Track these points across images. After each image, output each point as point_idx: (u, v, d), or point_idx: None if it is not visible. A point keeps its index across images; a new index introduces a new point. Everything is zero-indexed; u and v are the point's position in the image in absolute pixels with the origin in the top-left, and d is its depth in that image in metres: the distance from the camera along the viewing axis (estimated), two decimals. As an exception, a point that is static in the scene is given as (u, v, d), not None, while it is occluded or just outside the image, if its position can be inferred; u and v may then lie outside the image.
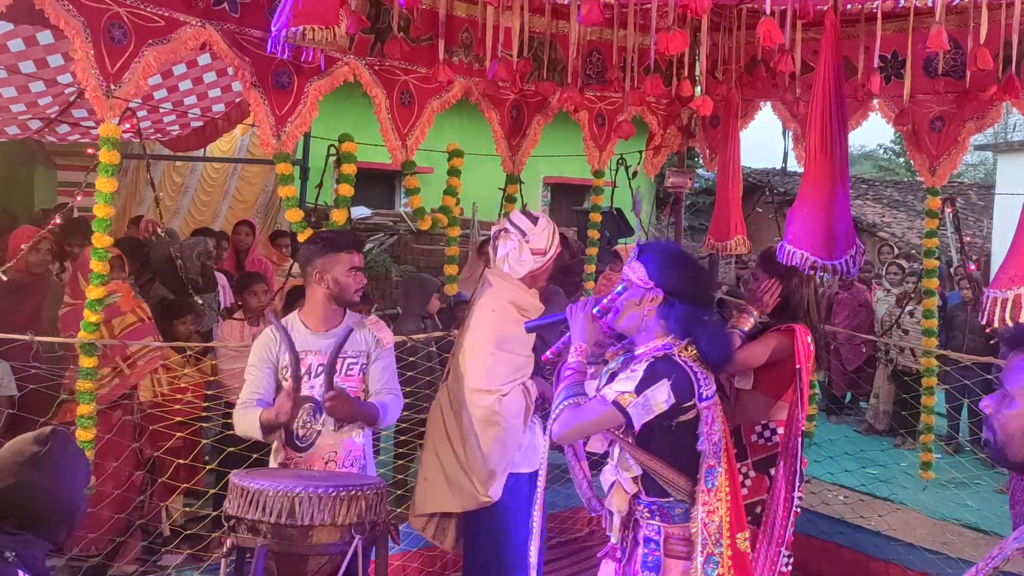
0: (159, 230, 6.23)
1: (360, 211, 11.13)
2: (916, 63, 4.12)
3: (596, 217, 5.19)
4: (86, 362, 3.38)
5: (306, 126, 3.87)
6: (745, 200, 5.44)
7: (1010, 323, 1.85)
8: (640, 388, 2.38)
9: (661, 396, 2.38)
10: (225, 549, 2.54)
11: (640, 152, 5.44)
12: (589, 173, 5.12)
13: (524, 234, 3.39)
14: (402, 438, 4.81)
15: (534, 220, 3.44)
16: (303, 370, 3.04)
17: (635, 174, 5.60)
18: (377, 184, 12.70)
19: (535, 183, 14.08)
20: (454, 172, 4.61)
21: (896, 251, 10.19)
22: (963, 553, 4.22)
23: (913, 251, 12.74)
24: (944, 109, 4.35)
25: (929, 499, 5.75)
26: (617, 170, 5.73)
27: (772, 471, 3.49)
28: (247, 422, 2.95)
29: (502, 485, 3.34)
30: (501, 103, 4.56)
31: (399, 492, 4.63)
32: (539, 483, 2.88)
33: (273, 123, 3.70)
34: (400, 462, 4.98)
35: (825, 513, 4.86)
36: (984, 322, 1.99)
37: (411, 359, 4.44)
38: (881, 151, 29.50)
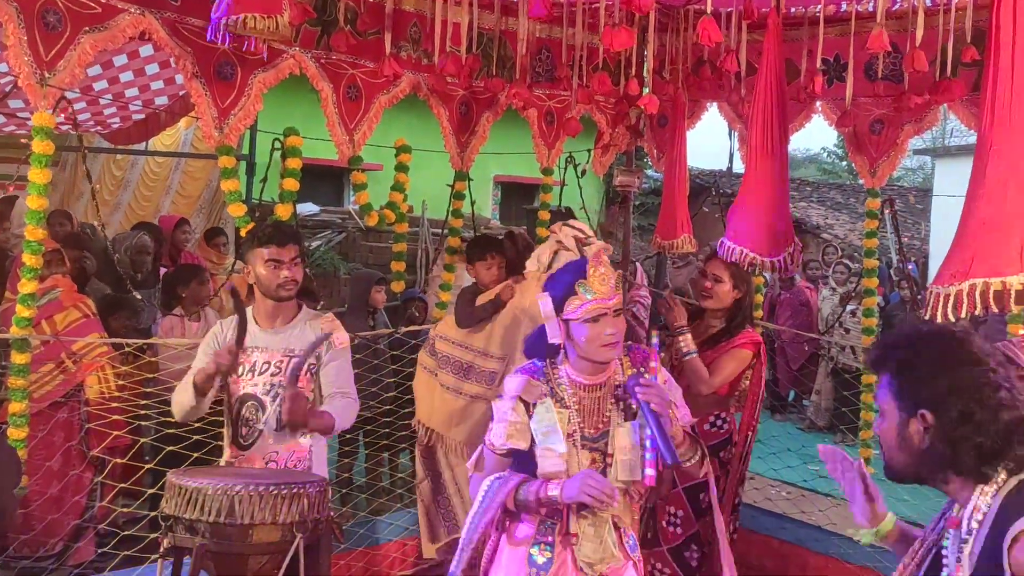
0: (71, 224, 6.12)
1: (307, 208, 11.00)
2: (857, 67, 4.21)
3: (545, 215, 5.20)
4: (18, 358, 3.28)
5: (250, 119, 3.81)
6: (692, 200, 5.51)
7: (952, 318, 1.91)
8: None
9: None
10: (162, 550, 2.48)
11: (589, 151, 5.46)
12: (539, 172, 5.13)
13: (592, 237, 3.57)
14: (347, 436, 4.76)
15: (590, 230, 3.62)
16: (248, 367, 2.99)
17: (584, 173, 5.62)
18: (325, 180, 12.57)
19: (485, 181, 14.06)
20: (402, 168, 4.58)
21: (840, 252, 10.40)
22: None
23: (855, 252, 13.02)
24: (884, 112, 4.45)
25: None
26: (566, 168, 5.75)
27: (722, 454, 3.69)
28: (181, 389, 2.90)
29: None
30: (450, 99, 4.54)
31: (344, 491, 4.59)
32: None
33: (215, 115, 3.63)
34: (345, 460, 4.92)
35: (768, 509, 4.93)
36: (927, 317, 2.04)
37: (356, 357, 4.39)
38: (825, 154, 30.15)
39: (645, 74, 4.87)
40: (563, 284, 2.41)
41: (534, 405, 2.42)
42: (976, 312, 1.85)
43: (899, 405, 1.69)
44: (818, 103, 4.68)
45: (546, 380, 2.46)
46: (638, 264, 6.51)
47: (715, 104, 5.14)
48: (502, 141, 7.24)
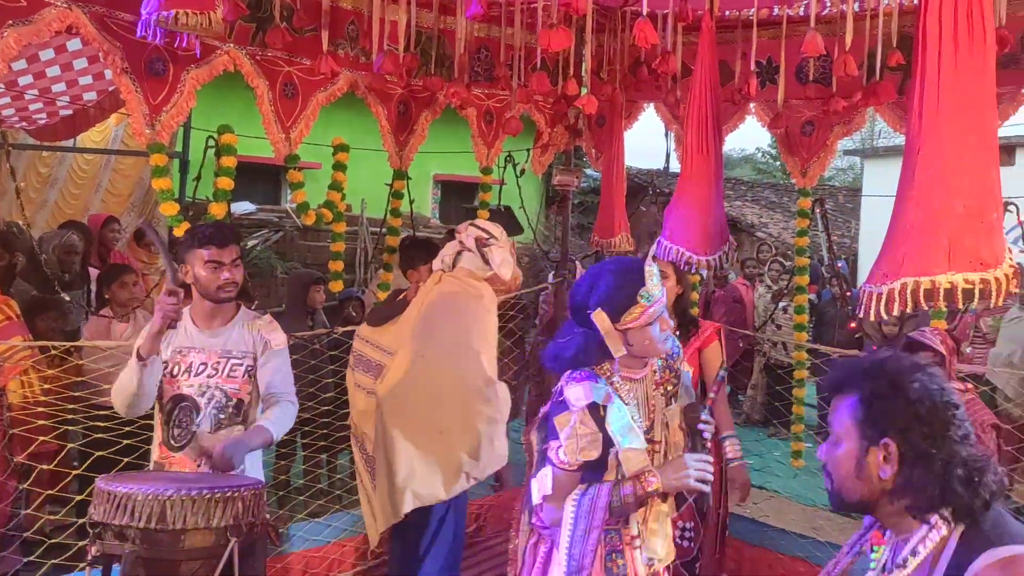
0: None
1: (243, 207, 10.81)
2: (789, 70, 4.31)
3: (484, 214, 5.18)
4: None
5: (182, 116, 3.72)
6: (630, 199, 5.59)
7: (884, 315, 1.95)
8: None
9: None
10: (90, 557, 2.42)
11: (528, 150, 5.49)
12: (479, 171, 5.13)
13: (501, 241, 3.48)
14: (285, 437, 4.68)
15: (499, 228, 3.54)
16: (184, 368, 2.94)
17: (523, 172, 5.65)
18: (262, 179, 12.37)
19: (425, 180, 14.01)
20: (340, 167, 4.53)
21: (774, 250, 10.62)
22: (831, 537, 4.43)
23: (789, 250, 13.32)
24: (814, 114, 4.57)
25: (800, 486, 6.01)
26: (505, 167, 5.77)
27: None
28: (121, 376, 2.82)
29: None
30: (388, 98, 4.51)
31: (281, 493, 4.52)
32: None
33: (147, 112, 3.54)
34: (282, 462, 4.86)
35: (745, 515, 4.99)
36: (861, 315, 2.09)
37: (295, 357, 4.34)
38: (760, 155, 30.73)
39: (583, 74, 4.91)
40: (622, 296, 2.32)
41: (605, 408, 2.33)
42: (906, 310, 1.91)
43: (861, 432, 1.67)
44: (752, 104, 4.78)
45: (606, 381, 2.39)
46: (577, 262, 6.56)
47: (652, 104, 5.21)
48: (442, 140, 7.23)
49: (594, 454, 2.31)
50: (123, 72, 3.45)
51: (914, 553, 1.63)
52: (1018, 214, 5.15)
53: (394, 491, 3.30)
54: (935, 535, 1.61)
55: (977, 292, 1.85)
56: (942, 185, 1.89)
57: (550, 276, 6.22)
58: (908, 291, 1.90)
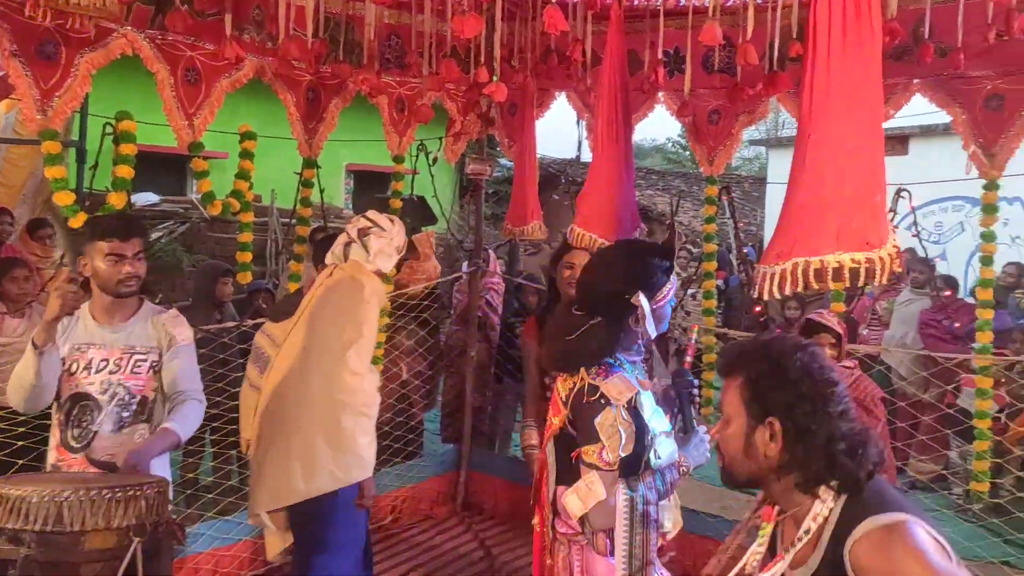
0: None
1: (147, 197, 10.45)
2: (695, 59, 4.38)
3: (396, 203, 5.14)
4: None
5: (76, 102, 3.56)
6: (544, 188, 5.62)
7: (778, 295, 2.02)
8: None
9: None
10: (-18, 564, 2.30)
11: (440, 139, 5.46)
12: (391, 160, 5.07)
13: (387, 232, 3.38)
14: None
15: (392, 221, 3.47)
16: (83, 365, 2.82)
17: (435, 160, 5.62)
18: (167, 170, 11.96)
19: (337, 170, 13.79)
20: (246, 155, 4.42)
21: (684, 238, 10.86)
22: (740, 515, 4.55)
23: (698, 238, 13.63)
24: (720, 104, 4.67)
25: (708, 468, 6.14)
26: (417, 156, 5.73)
27: None
28: (17, 368, 2.69)
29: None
30: (296, 85, 4.41)
31: (189, 492, 4.40)
32: None
33: (38, 97, 3.38)
34: (190, 460, 4.72)
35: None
36: (755, 295, 2.16)
37: (202, 351, 4.22)
38: (670, 144, 31.28)
39: (495, 63, 4.89)
40: (658, 275, 2.34)
41: (636, 396, 2.33)
42: (798, 289, 1.98)
43: (749, 411, 1.74)
44: (660, 94, 4.85)
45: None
46: (491, 251, 6.57)
47: (564, 93, 5.24)
48: (354, 129, 7.12)
49: (632, 447, 2.30)
50: (12, 55, 3.28)
51: (807, 531, 1.69)
52: (910, 200, 5.41)
53: (256, 488, 3.22)
54: (823, 508, 1.68)
55: (863, 271, 1.94)
56: (831, 169, 1.98)
57: (464, 266, 6.21)
58: (799, 271, 1.98)
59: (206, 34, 3.85)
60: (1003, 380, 4.96)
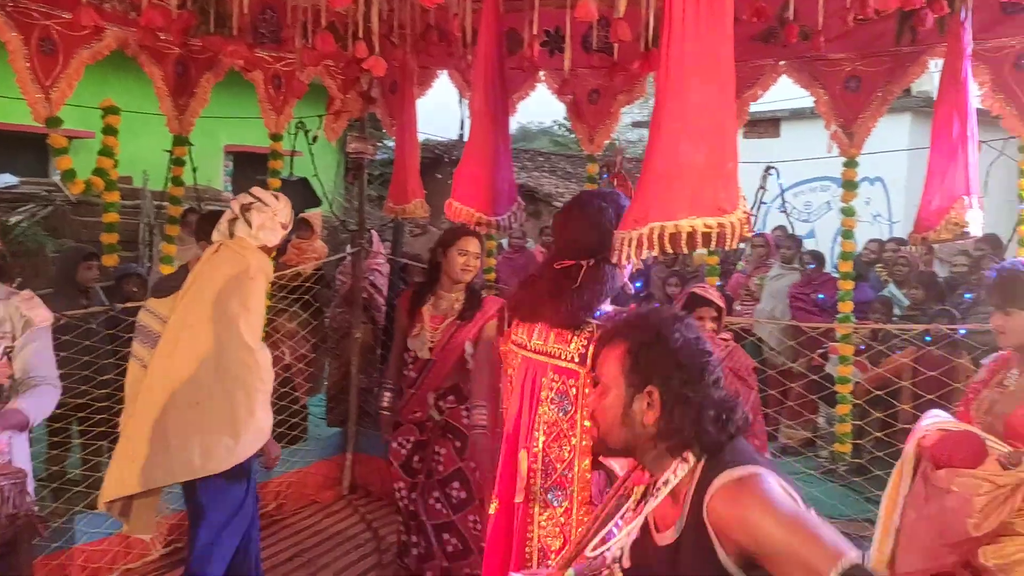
0: None
1: (5, 179, 9.82)
2: (575, 38, 4.42)
3: (275, 183, 5.00)
4: None
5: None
6: (429, 169, 5.57)
7: (635, 260, 2.07)
8: None
9: None
10: None
11: (320, 117, 5.33)
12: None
13: (270, 207, 3.36)
14: (57, 426, 4.33)
15: (276, 197, 3.45)
16: None
17: (315, 139, 5.50)
18: (26, 149, 11.25)
19: (215, 151, 13.31)
20: (109, 131, 4.19)
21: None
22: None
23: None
24: (599, 83, 4.73)
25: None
26: (296, 135, 5.59)
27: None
28: None
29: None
30: (164, 58, 4.22)
31: (57, 485, 4.18)
32: None
33: None
34: (56, 452, 4.48)
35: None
36: (614, 260, 2.21)
37: (66, 339, 4.01)
38: (556, 127, 31.60)
39: (374, 39, 4.81)
40: None
41: None
42: (655, 254, 2.04)
43: (627, 380, 1.77)
44: (541, 73, 4.88)
45: None
46: (374, 232, 6.49)
47: (446, 72, 5.20)
48: (231, 107, 6.87)
49: None
50: None
51: (666, 483, 1.74)
52: (779, 177, 5.65)
53: (150, 464, 3.12)
54: (684, 466, 1.74)
55: (715, 235, 2.02)
56: (685, 138, 2.05)
57: (348, 247, 6.11)
58: (656, 235, 2.04)
59: (62, 2, 3.63)
60: (865, 348, 5.25)
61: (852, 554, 1.49)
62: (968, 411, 2.87)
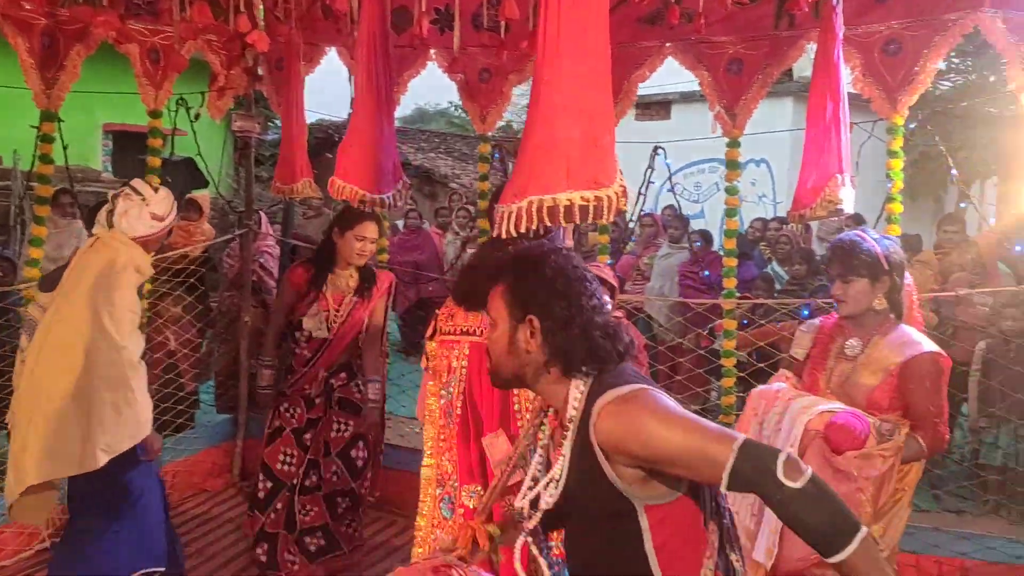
0: None
1: None
2: (464, 16, 4.40)
3: (155, 162, 4.80)
4: None
5: None
6: (321, 149, 5.45)
7: (514, 232, 2.09)
8: None
9: None
10: None
11: (203, 94, 5.14)
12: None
13: (144, 197, 3.30)
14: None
15: (155, 189, 3.40)
16: None
17: (198, 117, 5.30)
18: None
19: (93, 129, 12.68)
20: (-31, 106, 3.94)
21: (465, 199, 10.98)
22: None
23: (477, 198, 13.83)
24: (490, 62, 4.72)
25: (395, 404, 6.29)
26: (177, 112, 5.38)
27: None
28: None
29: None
30: (29, 28, 3.98)
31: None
32: None
33: None
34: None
35: (401, 445, 5.12)
36: (495, 234, 2.22)
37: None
38: (453, 108, 31.45)
39: (257, 12, 4.66)
40: None
41: None
42: (534, 227, 2.06)
43: (510, 313, 1.84)
44: (432, 51, 4.83)
45: None
46: (262, 213, 6.33)
47: (334, 49, 5.09)
48: (111, 84, 6.55)
49: None
50: None
51: (571, 420, 1.80)
52: (666, 157, 5.79)
53: (18, 464, 3.02)
54: (577, 392, 1.80)
55: (592, 209, 2.05)
56: (563, 112, 2.07)
57: (236, 229, 5.94)
58: (534, 208, 2.07)
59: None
60: (748, 323, 5.44)
61: (740, 436, 1.63)
62: (817, 382, 3.00)
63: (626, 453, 1.70)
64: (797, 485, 1.56)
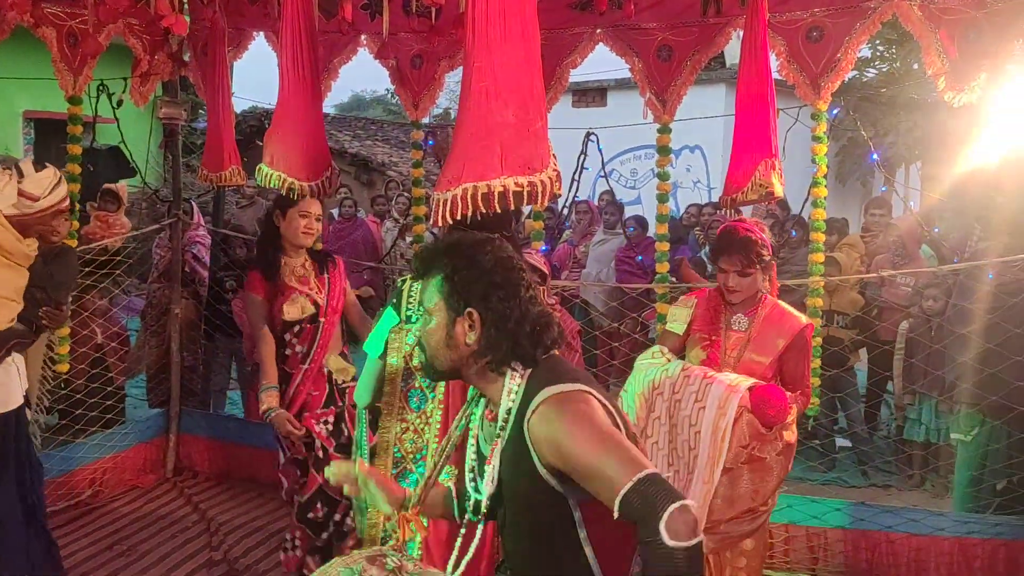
0: None
1: None
2: (394, 2, 4.34)
3: (75, 150, 4.64)
4: None
5: None
6: (255, 136, 5.31)
7: (450, 220, 2.08)
8: None
9: None
10: None
11: (125, 79, 4.99)
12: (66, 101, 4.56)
13: (20, 174, 3.16)
14: None
15: (40, 168, 3.24)
16: None
17: (120, 103, 5.15)
18: None
19: (13, 117, 12.22)
20: None
21: (403, 187, 10.89)
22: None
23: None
24: (422, 47, 4.68)
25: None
26: (99, 98, 5.22)
27: None
28: None
29: None
30: (-64, 11, 3.82)
31: None
32: None
33: None
34: None
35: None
36: (432, 223, 2.21)
37: None
38: (390, 95, 31.18)
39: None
40: None
41: None
42: (468, 213, 2.05)
43: (448, 305, 1.81)
44: (363, 37, 4.77)
45: None
46: (193, 203, 6.19)
47: (263, 33, 4.99)
48: (29, 70, 6.30)
49: None
50: None
51: (507, 411, 1.80)
52: (599, 144, 5.83)
53: None
54: (513, 385, 1.80)
55: (526, 194, 2.05)
56: (495, 97, 2.06)
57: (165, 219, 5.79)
58: (469, 195, 2.06)
59: None
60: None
61: (649, 468, 1.58)
62: (716, 356, 3.20)
63: (545, 455, 1.70)
64: (670, 542, 1.48)
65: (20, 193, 3.15)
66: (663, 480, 1.57)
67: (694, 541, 1.49)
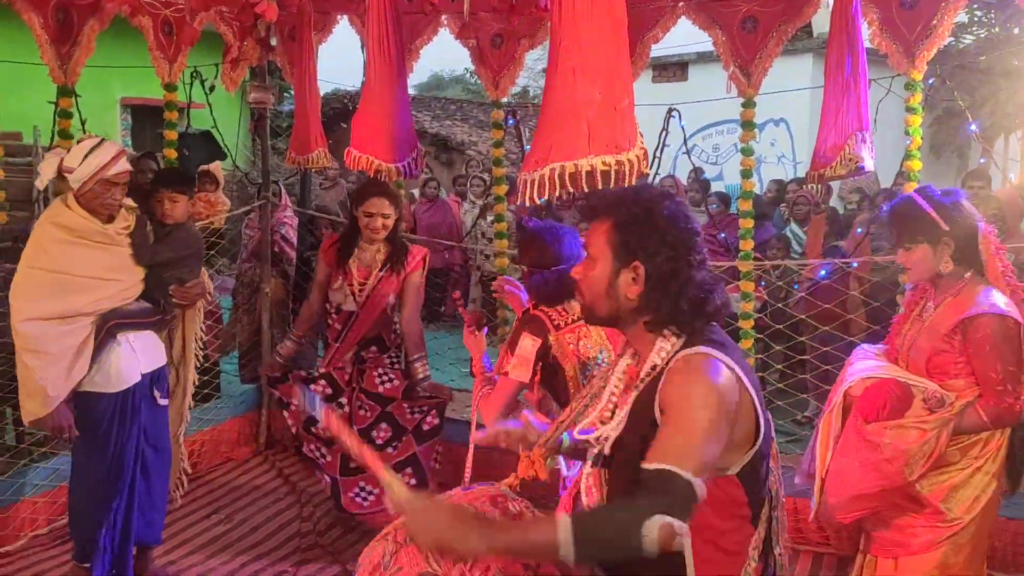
0: None
1: None
2: (476, -20, 4.35)
3: (171, 135, 4.83)
4: None
5: None
6: (338, 120, 5.42)
7: (538, 201, 2.08)
8: None
9: None
10: None
11: (217, 66, 5.15)
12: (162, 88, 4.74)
13: (67, 149, 3.26)
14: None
15: (84, 142, 3.29)
16: None
17: (212, 89, 5.32)
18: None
19: (110, 104, 12.73)
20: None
21: (482, 167, 10.95)
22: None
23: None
24: (502, 27, 4.68)
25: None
26: (192, 85, 5.39)
27: None
28: None
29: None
30: (42, 4, 4.02)
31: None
32: None
33: None
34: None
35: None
36: (519, 203, 2.21)
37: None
38: (469, 75, 31.26)
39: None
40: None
41: None
42: (558, 194, 2.05)
43: (615, 254, 1.77)
44: (444, 17, 4.80)
45: None
46: (281, 184, 6.36)
47: (347, 17, 5.07)
48: (126, 59, 6.55)
49: None
50: None
51: (653, 367, 1.78)
52: (680, 120, 5.73)
53: None
54: (667, 345, 1.78)
55: (613, 173, 2.03)
56: (581, 75, 2.05)
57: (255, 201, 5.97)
58: (556, 175, 2.05)
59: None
60: (764, 284, 5.43)
61: (691, 474, 1.57)
62: (894, 347, 2.92)
63: (662, 406, 1.70)
64: (644, 538, 1.51)
65: (61, 169, 3.19)
66: (689, 491, 1.57)
67: (653, 552, 1.52)
